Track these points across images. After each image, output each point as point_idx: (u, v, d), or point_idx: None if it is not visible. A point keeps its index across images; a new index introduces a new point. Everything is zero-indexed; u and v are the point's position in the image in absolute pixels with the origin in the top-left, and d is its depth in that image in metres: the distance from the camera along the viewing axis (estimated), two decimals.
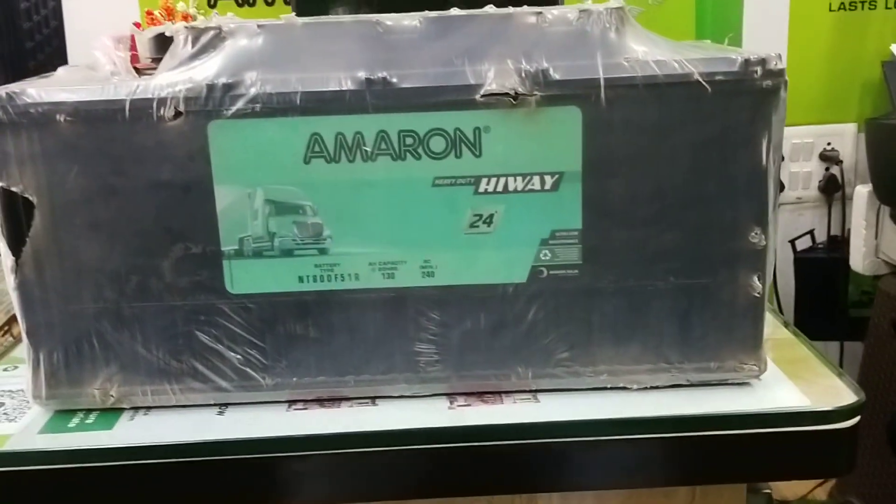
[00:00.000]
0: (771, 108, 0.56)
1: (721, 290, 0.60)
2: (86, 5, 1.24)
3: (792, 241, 1.35)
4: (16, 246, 0.57)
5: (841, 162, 1.32)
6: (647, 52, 0.57)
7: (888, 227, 1.20)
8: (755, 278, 0.59)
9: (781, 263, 1.32)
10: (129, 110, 0.55)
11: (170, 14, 0.96)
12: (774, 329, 0.70)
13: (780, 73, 0.56)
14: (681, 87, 0.56)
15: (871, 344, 1.23)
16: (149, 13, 0.96)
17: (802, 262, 1.35)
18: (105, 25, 1.19)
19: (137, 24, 1.03)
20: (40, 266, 0.58)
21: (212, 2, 1.25)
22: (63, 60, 1.25)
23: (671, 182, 0.58)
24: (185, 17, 0.96)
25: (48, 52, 1.27)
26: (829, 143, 1.32)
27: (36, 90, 0.55)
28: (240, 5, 1.25)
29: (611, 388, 0.62)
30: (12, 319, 1.18)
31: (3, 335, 1.16)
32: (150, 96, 0.55)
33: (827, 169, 1.33)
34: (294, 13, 0.59)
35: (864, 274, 1.26)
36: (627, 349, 0.61)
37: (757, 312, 0.60)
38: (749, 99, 0.56)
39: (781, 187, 1.18)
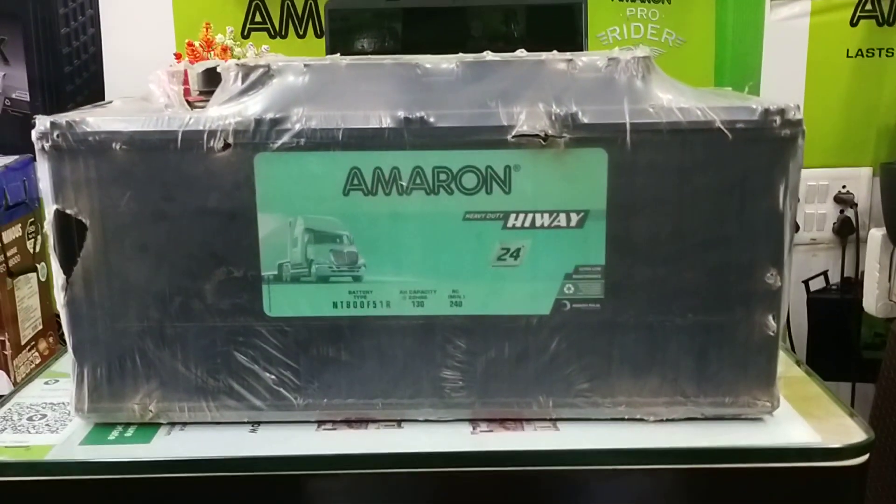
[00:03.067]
0: (789, 155, 0.59)
1: (737, 328, 0.62)
2: (124, 33, 1.28)
3: (805, 282, 1.36)
4: (67, 265, 0.60)
5: (856, 205, 1.33)
6: (672, 100, 0.60)
7: None
8: (770, 317, 0.62)
9: (794, 303, 1.33)
10: (181, 141, 0.58)
11: (209, 46, 1.00)
12: (787, 367, 0.72)
13: (798, 122, 0.58)
14: (703, 134, 0.58)
15: (882, 386, 1.23)
16: (189, 44, 1.00)
17: (816, 302, 1.36)
18: (142, 53, 1.23)
19: (178, 56, 1.07)
20: (89, 285, 0.61)
21: (246, 33, 1.29)
22: (100, 86, 1.29)
23: (691, 223, 0.60)
24: (224, 49, 1.00)
25: (85, 76, 1.31)
26: (844, 186, 1.34)
27: (94, 119, 0.59)
28: (272, 37, 1.29)
29: (628, 419, 0.64)
30: (39, 335, 1.21)
31: (29, 350, 1.19)
32: (201, 128, 0.58)
33: (842, 211, 1.35)
34: (326, 46, 0.62)
35: (877, 316, 1.27)
36: (646, 382, 0.63)
37: (771, 350, 0.62)
38: (768, 146, 0.59)
39: (796, 228, 1.20)
